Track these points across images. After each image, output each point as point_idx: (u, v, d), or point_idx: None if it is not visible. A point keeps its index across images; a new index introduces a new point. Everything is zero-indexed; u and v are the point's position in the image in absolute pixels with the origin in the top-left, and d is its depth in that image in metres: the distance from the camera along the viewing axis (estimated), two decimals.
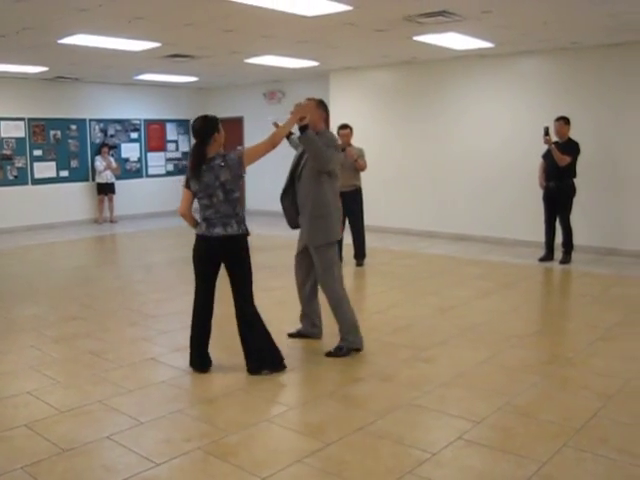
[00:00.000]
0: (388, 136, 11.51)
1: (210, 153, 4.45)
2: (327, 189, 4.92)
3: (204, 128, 4.48)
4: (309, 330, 5.42)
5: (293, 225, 5.13)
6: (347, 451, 3.47)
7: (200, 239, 4.56)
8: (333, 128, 8.61)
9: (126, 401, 4.18)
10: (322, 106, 5.01)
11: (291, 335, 5.44)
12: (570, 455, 3.38)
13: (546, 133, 8.36)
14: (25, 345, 5.39)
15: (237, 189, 4.52)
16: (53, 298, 7.05)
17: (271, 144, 4.52)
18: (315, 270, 5.08)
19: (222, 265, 4.60)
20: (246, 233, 4.57)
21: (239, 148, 4.55)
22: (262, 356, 4.64)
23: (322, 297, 5.15)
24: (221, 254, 4.56)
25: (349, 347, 5.00)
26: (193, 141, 4.56)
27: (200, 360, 4.73)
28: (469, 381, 4.50)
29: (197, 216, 4.59)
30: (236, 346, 4.82)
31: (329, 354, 4.99)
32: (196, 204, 4.56)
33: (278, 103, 13.84)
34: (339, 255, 5.20)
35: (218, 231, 4.47)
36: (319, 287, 5.19)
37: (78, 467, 3.31)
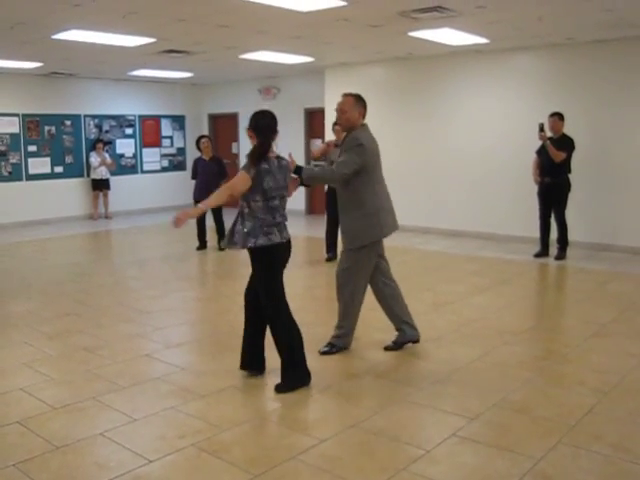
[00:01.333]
0: (383, 132, 11.36)
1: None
2: (359, 187, 4.69)
3: None
4: (409, 333, 5.06)
5: None
6: (341, 448, 3.46)
7: None
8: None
9: (120, 398, 4.16)
10: (360, 101, 4.79)
11: (387, 348, 5.06)
12: (565, 451, 3.38)
13: (541, 129, 8.36)
14: (18, 341, 5.37)
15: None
16: (47, 294, 7.03)
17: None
18: (339, 265, 4.92)
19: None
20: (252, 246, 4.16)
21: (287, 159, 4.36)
22: (295, 372, 4.32)
23: (369, 296, 4.99)
24: None
25: (339, 347, 4.99)
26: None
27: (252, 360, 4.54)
28: (464, 377, 4.49)
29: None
30: (229, 343, 4.80)
31: (323, 352, 4.98)
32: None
33: (273, 99, 13.81)
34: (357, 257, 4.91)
35: None
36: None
37: (71, 464, 3.29)
